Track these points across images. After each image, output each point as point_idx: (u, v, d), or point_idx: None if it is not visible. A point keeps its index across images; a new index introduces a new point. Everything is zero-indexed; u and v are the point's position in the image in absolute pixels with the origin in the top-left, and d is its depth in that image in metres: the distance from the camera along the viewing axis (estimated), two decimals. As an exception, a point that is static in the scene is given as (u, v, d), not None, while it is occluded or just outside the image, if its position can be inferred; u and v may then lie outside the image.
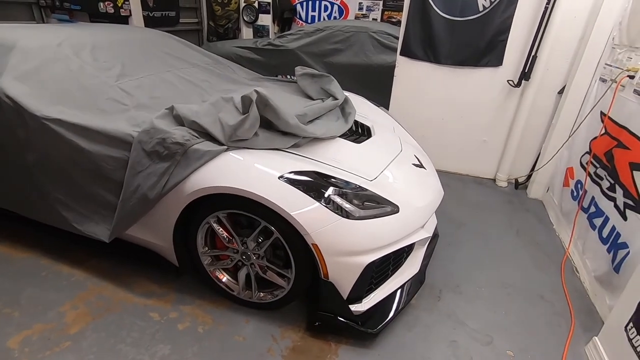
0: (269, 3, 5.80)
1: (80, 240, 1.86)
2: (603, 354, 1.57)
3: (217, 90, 2.29)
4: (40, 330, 1.60)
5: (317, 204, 1.44)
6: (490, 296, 1.97)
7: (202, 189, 1.50)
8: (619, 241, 1.86)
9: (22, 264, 1.95)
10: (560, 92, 2.90)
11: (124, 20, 3.93)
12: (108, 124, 1.65)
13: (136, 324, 1.65)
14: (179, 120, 1.61)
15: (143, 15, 4.23)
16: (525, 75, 2.91)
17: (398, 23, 5.25)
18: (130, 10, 3.95)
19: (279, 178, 1.46)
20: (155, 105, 1.85)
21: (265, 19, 5.89)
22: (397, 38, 3.35)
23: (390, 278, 1.68)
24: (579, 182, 2.46)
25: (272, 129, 1.68)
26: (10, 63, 1.80)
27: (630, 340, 1.43)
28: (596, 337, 1.65)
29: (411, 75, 3.25)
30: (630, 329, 1.44)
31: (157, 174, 1.53)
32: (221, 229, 1.63)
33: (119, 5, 3.84)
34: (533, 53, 2.84)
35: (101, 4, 3.76)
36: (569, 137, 2.70)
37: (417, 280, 1.80)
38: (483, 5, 2.86)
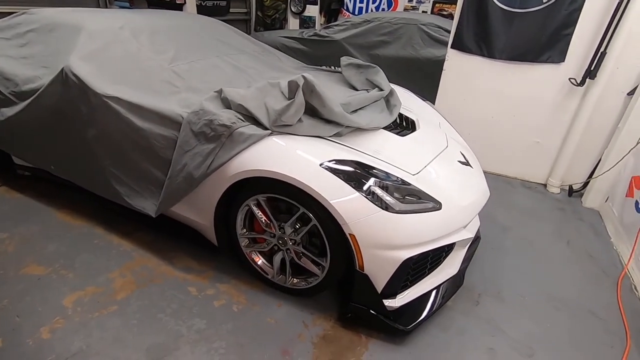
0: (317, -6, 5.79)
1: (129, 213, 1.97)
2: (663, 382, 1.42)
3: (263, 77, 2.32)
4: (91, 292, 1.72)
5: (357, 194, 1.41)
6: (534, 306, 1.85)
7: (245, 172, 1.53)
8: (692, 261, 1.67)
9: (79, 231, 2.12)
10: (631, 93, 2.63)
11: (179, 7, 4.10)
12: (161, 104, 1.72)
13: (176, 297, 1.73)
14: (227, 103, 1.65)
15: (196, 4, 4.38)
16: (591, 73, 2.67)
17: (449, 16, 5.04)
18: (185, -1, 4.12)
19: (320, 165, 1.46)
20: (204, 89, 1.91)
21: (313, 10, 5.89)
22: (448, 31, 3.20)
23: (427, 277, 1.63)
24: (645, 192, 2.23)
25: (316, 116, 1.67)
26: (78, 44, 1.93)
27: (698, 370, 1.28)
28: (656, 363, 1.50)
29: (461, 70, 3.10)
30: (699, 358, 1.29)
31: (203, 155, 1.58)
32: (260, 213, 1.65)
33: (175, -7, 4.01)
34: (602, 49, 2.60)
35: (159, -8, 3.95)
36: (638, 142, 2.45)
37: (455, 282, 1.73)
38: (548, -4, 2.65)
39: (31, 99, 1.96)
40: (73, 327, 1.55)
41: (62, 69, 1.82)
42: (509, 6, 2.78)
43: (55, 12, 2.24)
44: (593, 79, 2.69)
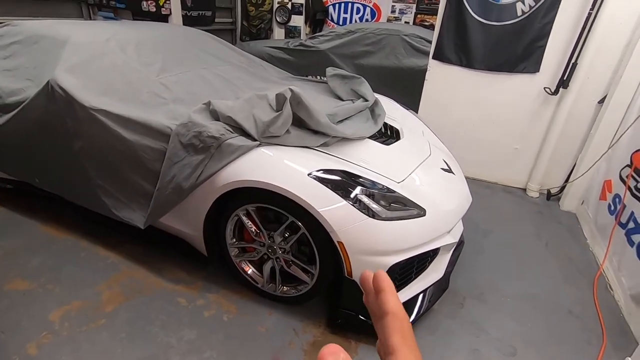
0: (302, 4, 5.89)
1: (116, 225, 1.96)
2: (636, 375, 1.50)
3: (249, 87, 2.35)
4: (78, 306, 1.70)
5: (345, 202, 1.46)
6: (515, 307, 1.92)
7: (234, 182, 1.55)
8: (659, 259, 1.77)
9: (64, 244, 2.09)
10: (601, 101, 2.78)
11: (164, 18, 4.10)
12: (148, 116, 1.74)
13: (165, 308, 1.73)
14: (215, 115, 1.67)
15: (182, 14, 4.40)
16: (564, 82, 2.81)
17: (431, 27, 5.19)
18: (170, 9, 4.12)
19: (308, 175, 1.50)
20: (191, 100, 1.93)
21: (298, 20, 5.99)
22: (430, 42, 3.32)
23: (413, 281, 1.68)
24: (617, 195, 2.35)
25: (303, 127, 1.71)
26: (64, 56, 1.93)
27: (667, 363, 1.36)
28: (629, 358, 1.58)
29: (443, 79, 3.21)
30: (667, 352, 1.37)
31: (192, 166, 1.60)
32: (249, 222, 1.68)
33: (161, 4, 4.01)
34: (573, 60, 2.74)
35: (144, 2, 3.94)
36: (609, 148, 2.58)
37: (441, 286, 1.78)
38: (522, 10, 2.79)
39: (15, 111, 1.94)
40: (61, 341, 1.53)
41: (48, 82, 1.81)
42: (486, 19, 2.91)
43: (39, 24, 2.23)
44: (566, 88, 2.83)
